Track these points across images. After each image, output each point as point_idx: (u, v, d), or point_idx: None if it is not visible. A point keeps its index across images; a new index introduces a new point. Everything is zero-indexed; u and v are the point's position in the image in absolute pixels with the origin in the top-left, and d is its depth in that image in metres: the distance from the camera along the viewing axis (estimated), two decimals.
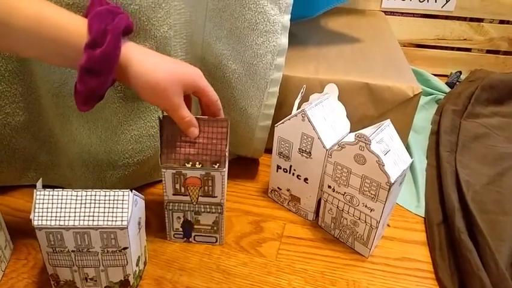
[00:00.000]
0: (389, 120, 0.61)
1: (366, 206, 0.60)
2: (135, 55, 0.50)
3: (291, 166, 0.68)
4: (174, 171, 0.57)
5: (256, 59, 0.64)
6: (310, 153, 0.64)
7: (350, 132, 0.67)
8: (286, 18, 0.64)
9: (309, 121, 0.61)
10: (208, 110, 0.58)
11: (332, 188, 0.63)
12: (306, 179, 0.67)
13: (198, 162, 0.57)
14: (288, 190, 0.70)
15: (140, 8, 0.55)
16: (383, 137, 0.58)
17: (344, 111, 0.69)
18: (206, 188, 0.59)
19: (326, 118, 0.64)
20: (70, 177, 0.68)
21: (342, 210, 0.64)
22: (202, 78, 0.56)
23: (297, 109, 0.66)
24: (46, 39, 0.47)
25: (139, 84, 0.51)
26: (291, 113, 0.64)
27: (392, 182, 0.55)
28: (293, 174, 0.68)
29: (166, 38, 0.60)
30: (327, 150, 0.62)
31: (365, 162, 0.57)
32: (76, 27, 0.48)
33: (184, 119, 0.55)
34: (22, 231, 0.64)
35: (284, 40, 0.64)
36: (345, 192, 0.62)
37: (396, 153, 0.59)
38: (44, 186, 0.51)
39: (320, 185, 0.66)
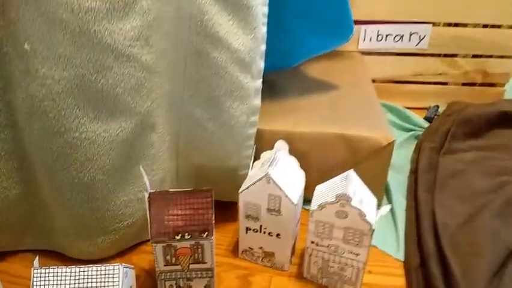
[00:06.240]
0: (352, 170, 0.65)
1: (351, 253, 0.64)
2: None
3: (261, 226, 0.69)
4: (165, 244, 0.60)
5: (233, 120, 0.70)
6: (279, 210, 0.66)
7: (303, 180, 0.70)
8: (258, 83, 0.69)
9: (275, 183, 0.64)
10: None
11: (316, 242, 0.66)
12: (278, 235, 0.69)
13: (186, 233, 0.60)
14: (261, 248, 0.72)
15: (124, 91, 0.60)
16: (355, 188, 0.62)
17: (297, 163, 0.72)
18: (196, 255, 0.62)
19: (286, 174, 0.67)
20: (64, 243, 0.72)
21: (328, 260, 0.67)
22: None
23: (252, 168, 0.70)
24: None
25: None
26: None
27: (374, 228, 0.60)
28: (264, 232, 0.70)
29: (149, 111, 0.64)
30: (295, 205, 0.65)
31: (346, 216, 0.61)
32: None
33: None
34: None
35: (257, 101, 0.70)
36: (329, 244, 0.65)
37: (366, 199, 0.63)
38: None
39: (293, 236, 0.70)
